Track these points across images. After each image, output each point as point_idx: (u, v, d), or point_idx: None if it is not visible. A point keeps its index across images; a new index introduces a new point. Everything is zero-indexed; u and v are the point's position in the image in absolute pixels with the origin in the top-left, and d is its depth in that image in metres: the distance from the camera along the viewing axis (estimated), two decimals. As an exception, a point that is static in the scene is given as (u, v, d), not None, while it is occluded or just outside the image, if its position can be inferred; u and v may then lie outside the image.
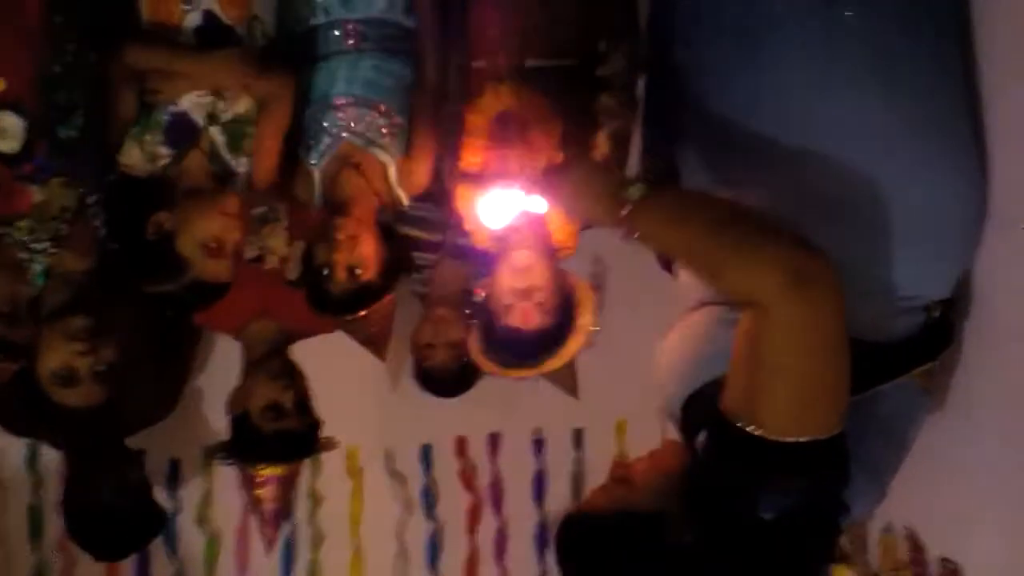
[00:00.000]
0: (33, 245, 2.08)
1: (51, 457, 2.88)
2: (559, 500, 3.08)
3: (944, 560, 1.90)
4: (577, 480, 3.10)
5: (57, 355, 2.05)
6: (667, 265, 1.94)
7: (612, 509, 1.47)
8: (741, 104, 1.65)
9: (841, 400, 1.35)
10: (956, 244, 1.64)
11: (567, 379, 2.83)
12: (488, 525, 3.10)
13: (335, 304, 2.15)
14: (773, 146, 1.59)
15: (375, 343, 2.62)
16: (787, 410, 1.32)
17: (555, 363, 2.14)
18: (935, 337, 1.66)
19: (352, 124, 2.12)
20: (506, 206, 1.94)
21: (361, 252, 2.09)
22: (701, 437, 1.46)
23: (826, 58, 1.59)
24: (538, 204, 1.83)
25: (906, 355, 1.63)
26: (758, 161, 1.62)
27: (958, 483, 1.83)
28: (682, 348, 1.62)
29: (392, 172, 2.17)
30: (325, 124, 2.12)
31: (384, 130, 2.14)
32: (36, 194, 2.06)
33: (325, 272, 2.09)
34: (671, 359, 1.63)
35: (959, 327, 1.73)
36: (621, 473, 1.53)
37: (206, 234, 2.00)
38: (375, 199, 2.15)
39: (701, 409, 1.48)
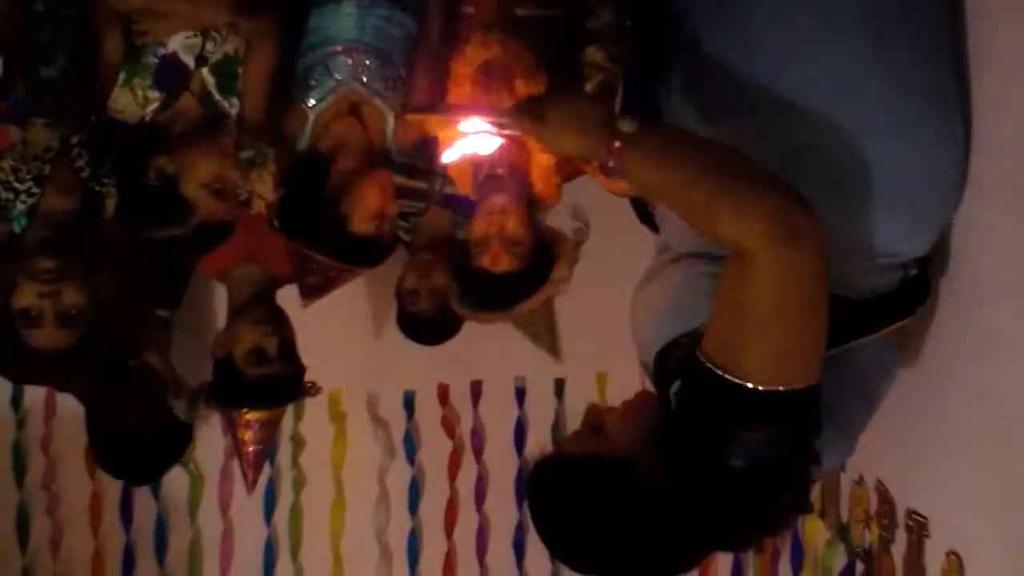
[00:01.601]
0: (16, 185, 2.07)
1: (36, 396, 2.90)
2: (539, 449, 3.11)
3: (912, 513, 1.93)
4: (557, 430, 3.12)
5: (23, 295, 2.05)
6: (646, 219, 1.94)
7: (584, 454, 1.48)
8: (729, 60, 1.64)
9: (819, 352, 1.36)
10: (936, 206, 1.65)
11: (549, 341, 2.86)
12: (468, 472, 3.13)
13: (364, 256, 2.19)
14: (758, 101, 1.59)
15: (316, 293, 2.60)
16: (768, 360, 1.33)
17: (520, 310, 2.19)
18: (911, 294, 1.68)
19: (359, 71, 2.10)
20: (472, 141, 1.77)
21: (389, 204, 2.13)
22: (675, 387, 1.47)
23: (818, 15, 1.59)
24: (492, 142, 1.69)
25: (881, 312, 1.65)
26: (742, 116, 1.62)
27: (928, 438, 1.86)
28: (660, 299, 1.62)
29: (390, 123, 2.17)
30: (330, 67, 2.10)
31: (388, 80, 2.14)
32: (14, 133, 2.06)
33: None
34: (648, 309, 1.64)
35: (935, 284, 1.75)
36: (594, 421, 1.53)
37: (210, 175, 2.00)
38: (369, 148, 2.16)
39: (676, 359, 1.49)
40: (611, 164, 1.41)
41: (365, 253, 2.20)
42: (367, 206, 2.10)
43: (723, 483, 1.37)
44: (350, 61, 2.09)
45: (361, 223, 2.11)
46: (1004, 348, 1.61)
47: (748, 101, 1.62)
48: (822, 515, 2.38)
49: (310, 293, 2.51)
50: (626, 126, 1.41)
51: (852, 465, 2.18)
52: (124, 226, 2.12)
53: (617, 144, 1.39)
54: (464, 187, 2.26)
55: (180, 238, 2.04)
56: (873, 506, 2.08)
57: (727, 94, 1.65)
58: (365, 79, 2.10)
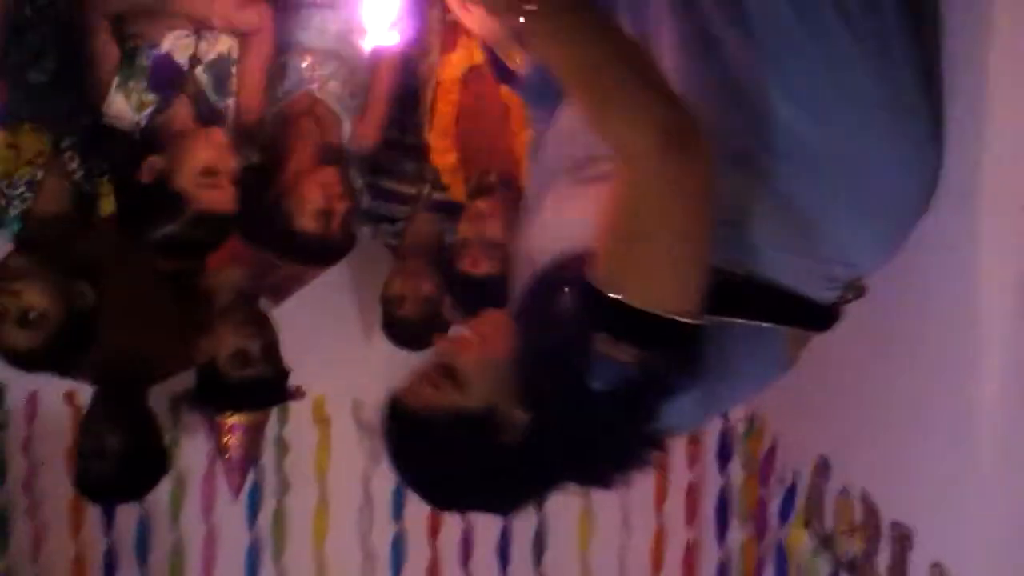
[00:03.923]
0: (8, 191, 2.06)
1: (17, 398, 2.88)
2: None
3: (896, 524, 1.93)
4: (543, 436, 3.13)
5: None
6: (505, 77, 1.84)
7: (443, 410, 1.41)
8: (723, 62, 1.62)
9: (699, 279, 1.33)
10: (905, 220, 1.64)
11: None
12: (453, 478, 3.12)
13: (315, 255, 2.17)
14: (748, 80, 1.56)
15: (279, 293, 2.59)
16: (642, 274, 1.31)
17: None
18: (829, 316, 1.64)
19: (318, 74, 2.11)
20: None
21: (335, 202, 2.12)
22: (559, 298, 1.39)
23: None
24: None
25: (798, 311, 1.61)
26: (727, 91, 1.58)
27: (914, 449, 1.86)
28: (585, 212, 1.57)
29: (347, 127, 2.17)
30: (289, 70, 2.11)
31: (347, 85, 2.14)
32: (2, 137, 2.04)
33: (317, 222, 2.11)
34: (568, 218, 1.58)
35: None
36: (447, 363, 1.44)
37: (200, 164, 1.99)
38: (321, 148, 2.16)
39: (572, 271, 1.44)
40: (519, 26, 1.33)
41: (312, 250, 2.19)
42: (311, 204, 2.10)
43: (580, 405, 1.35)
44: (307, 63, 2.11)
45: (306, 221, 2.11)
46: (989, 359, 1.61)
47: (739, 80, 1.58)
48: (807, 525, 2.37)
49: (272, 294, 2.52)
50: None
51: (837, 475, 2.18)
52: (124, 233, 2.10)
53: (531, 6, 1.31)
54: (458, 194, 2.27)
55: (180, 236, 2.03)
56: (858, 517, 2.08)
57: (715, 66, 1.60)
58: (323, 81, 2.11)
